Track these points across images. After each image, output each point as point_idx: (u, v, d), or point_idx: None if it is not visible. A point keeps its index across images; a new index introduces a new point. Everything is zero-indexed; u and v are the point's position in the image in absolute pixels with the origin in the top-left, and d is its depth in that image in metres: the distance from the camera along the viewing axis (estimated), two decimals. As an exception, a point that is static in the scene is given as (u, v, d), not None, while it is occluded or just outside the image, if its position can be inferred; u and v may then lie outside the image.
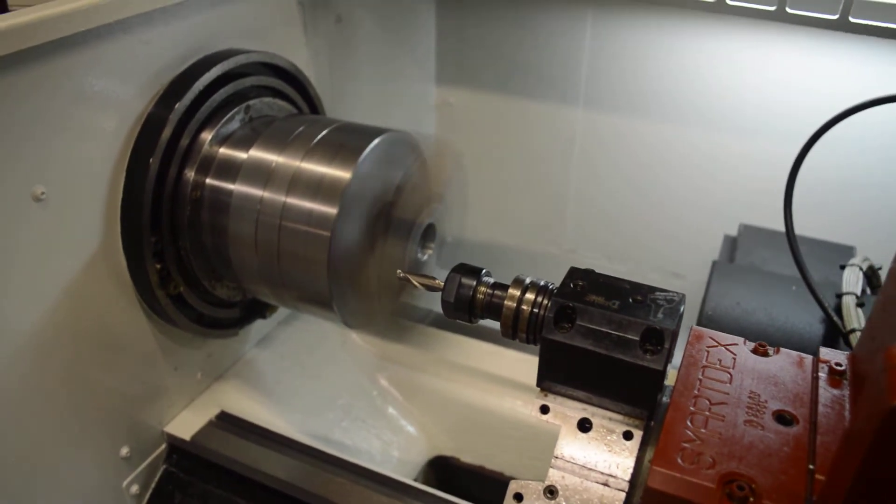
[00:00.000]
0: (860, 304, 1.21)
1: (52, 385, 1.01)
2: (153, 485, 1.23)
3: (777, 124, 1.57)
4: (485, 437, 1.41)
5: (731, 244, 1.56)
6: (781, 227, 1.24)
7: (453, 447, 1.46)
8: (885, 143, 1.51)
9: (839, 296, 1.28)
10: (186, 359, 1.24)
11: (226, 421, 1.26)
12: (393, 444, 1.42)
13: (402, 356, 1.49)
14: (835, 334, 1.22)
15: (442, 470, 1.47)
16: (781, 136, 1.53)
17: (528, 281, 0.80)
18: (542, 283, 0.80)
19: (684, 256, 1.78)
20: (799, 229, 1.24)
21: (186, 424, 1.24)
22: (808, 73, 1.52)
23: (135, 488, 1.20)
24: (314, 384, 1.42)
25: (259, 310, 1.31)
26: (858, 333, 1.14)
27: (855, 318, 1.17)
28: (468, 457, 1.45)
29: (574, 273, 0.77)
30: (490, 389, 1.41)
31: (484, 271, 0.84)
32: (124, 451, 1.16)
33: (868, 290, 1.28)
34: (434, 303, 1.08)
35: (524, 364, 1.40)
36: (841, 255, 1.43)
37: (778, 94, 1.56)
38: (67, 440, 1.06)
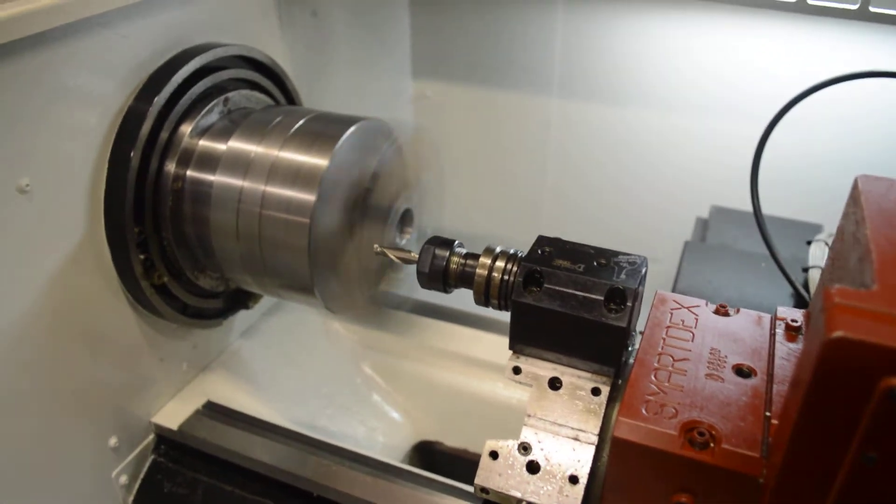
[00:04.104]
0: (826, 277, 1.25)
1: (38, 377, 1.03)
2: (142, 475, 1.24)
3: (745, 106, 1.61)
4: (467, 420, 1.44)
5: (703, 226, 1.60)
6: (751, 208, 1.28)
7: (437, 431, 1.48)
8: (846, 121, 1.56)
9: (806, 270, 1.32)
10: (172, 350, 1.26)
11: (212, 410, 1.28)
12: (377, 430, 1.44)
13: (384, 343, 1.51)
14: (803, 307, 1.25)
15: (426, 454, 1.49)
16: (750, 118, 1.57)
17: (498, 250, 0.84)
18: (511, 251, 0.83)
19: (660, 240, 1.81)
20: (767, 209, 1.28)
21: (174, 414, 1.26)
22: (771, 54, 1.56)
23: (124, 479, 1.21)
24: (298, 373, 1.45)
25: (242, 300, 1.33)
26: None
27: (821, 290, 1.21)
28: (452, 441, 1.48)
29: (541, 240, 0.81)
30: (471, 373, 1.43)
31: (457, 242, 0.87)
32: (112, 441, 1.18)
33: (835, 264, 1.31)
34: (412, 290, 1.11)
35: (503, 346, 1.43)
36: (809, 232, 1.48)
37: (744, 77, 1.60)
38: (55, 432, 1.08)
